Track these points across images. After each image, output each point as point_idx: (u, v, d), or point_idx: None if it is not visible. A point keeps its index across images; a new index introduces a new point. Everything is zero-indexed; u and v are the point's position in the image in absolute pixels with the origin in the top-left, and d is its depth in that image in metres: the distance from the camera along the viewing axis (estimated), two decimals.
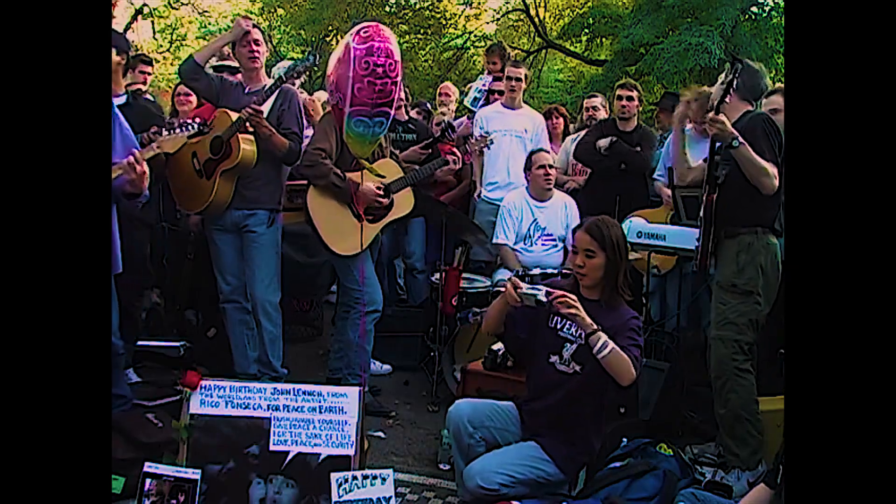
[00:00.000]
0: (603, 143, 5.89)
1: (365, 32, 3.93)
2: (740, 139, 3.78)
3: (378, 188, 4.70)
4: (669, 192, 5.29)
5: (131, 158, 3.65)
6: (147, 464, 3.33)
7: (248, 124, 4.44)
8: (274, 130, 4.50)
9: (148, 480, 3.29)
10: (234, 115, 4.47)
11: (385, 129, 4.17)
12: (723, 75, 4.04)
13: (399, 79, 4.02)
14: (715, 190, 3.97)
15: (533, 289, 3.39)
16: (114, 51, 3.92)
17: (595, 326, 3.29)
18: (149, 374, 5.09)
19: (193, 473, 3.31)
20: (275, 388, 3.54)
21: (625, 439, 3.97)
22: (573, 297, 3.35)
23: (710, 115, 3.86)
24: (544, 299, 3.32)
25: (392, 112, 4.11)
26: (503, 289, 3.51)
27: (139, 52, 7.83)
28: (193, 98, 5.91)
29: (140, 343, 5.03)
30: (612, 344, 3.25)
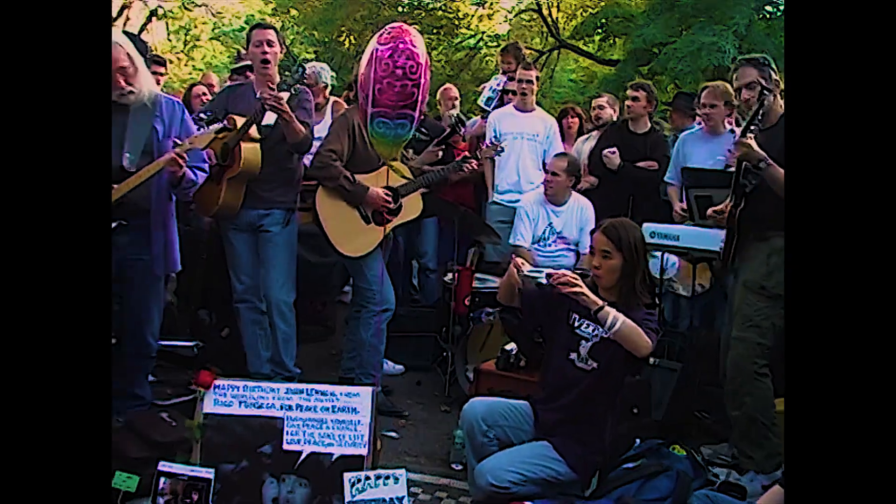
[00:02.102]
0: (610, 162, 5.94)
1: (389, 34, 3.95)
2: (768, 160, 3.78)
3: (386, 192, 4.71)
4: (680, 193, 5.31)
5: (174, 154, 3.89)
6: (161, 463, 3.35)
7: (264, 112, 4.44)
8: (293, 116, 4.49)
9: (162, 479, 3.31)
10: (240, 121, 4.48)
11: (409, 130, 4.19)
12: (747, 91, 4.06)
13: (422, 81, 4.02)
14: (741, 202, 3.97)
15: (535, 271, 3.46)
16: (126, 50, 3.96)
17: (601, 303, 3.32)
18: (163, 373, 5.11)
19: (207, 472, 3.33)
20: (288, 388, 3.55)
21: (638, 440, 3.96)
22: (574, 275, 3.38)
23: (738, 138, 3.88)
24: (544, 281, 3.37)
25: (416, 114, 4.11)
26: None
27: (153, 52, 7.86)
28: (208, 101, 5.94)
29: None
30: (622, 317, 3.28)
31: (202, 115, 4.33)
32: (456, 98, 7.32)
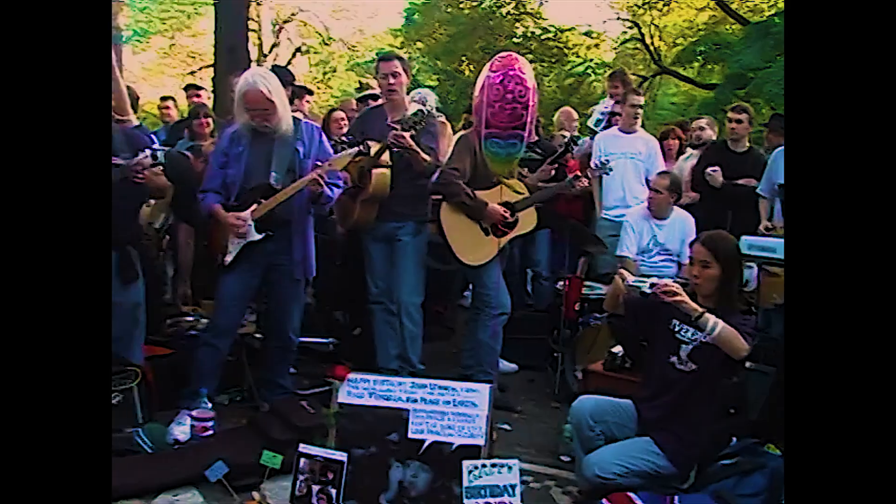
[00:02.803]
0: (713, 179, 5.83)
1: (500, 62, 3.97)
2: None
3: (504, 208, 4.70)
4: (769, 207, 5.28)
5: (315, 174, 4.01)
6: (301, 445, 3.41)
7: (391, 148, 4.52)
8: (419, 150, 4.56)
9: (302, 460, 3.36)
10: (375, 147, 4.55)
11: (519, 149, 4.18)
12: None
13: (530, 104, 4.01)
14: None
15: (639, 281, 3.42)
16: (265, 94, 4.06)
17: (701, 310, 3.27)
18: (302, 366, 5.21)
19: (341, 456, 3.36)
20: (413, 383, 3.56)
21: (734, 439, 3.84)
22: (676, 285, 3.34)
23: None
24: (648, 290, 3.33)
25: (525, 134, 4.11)
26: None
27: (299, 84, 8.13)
28: (346, 124, 6.07)
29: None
30: (721, 322, 3.23)
31: (343, 139, 4.41)
32: (576, 120, 7.32)
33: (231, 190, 4.23)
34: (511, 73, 4.01)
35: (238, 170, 4.20)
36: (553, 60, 19.43)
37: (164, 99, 7.48)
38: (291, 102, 5.18)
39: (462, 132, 5.23)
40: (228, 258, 4.21)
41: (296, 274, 4.31)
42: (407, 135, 4.47)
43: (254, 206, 4.13)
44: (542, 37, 19.41)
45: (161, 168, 4.17)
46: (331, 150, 4.40)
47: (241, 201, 4.18)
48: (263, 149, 4.18)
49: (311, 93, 7.64)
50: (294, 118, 4.26)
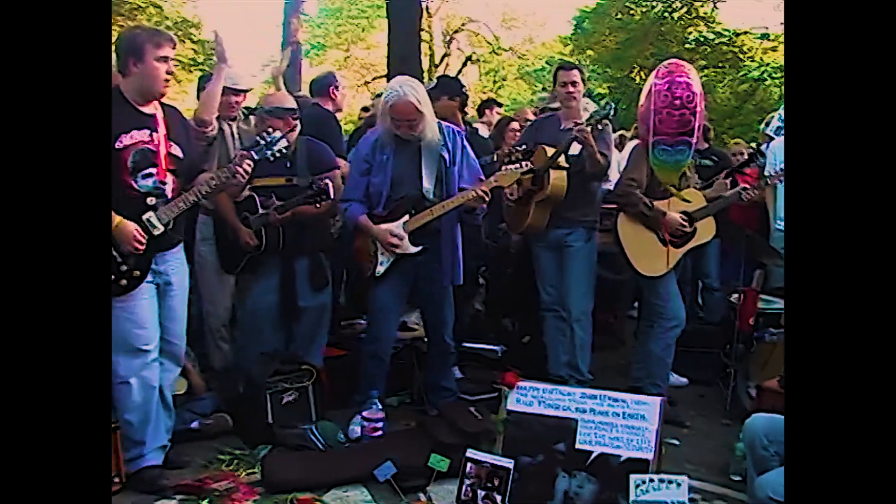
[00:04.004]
0: None
1: (666, 69, 3.91)
2: None
3: (682, 217, 4.60)
4: None
5: (479, 191, 4.04)
6: (469, 450, 3.44)
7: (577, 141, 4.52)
8: (596, 147, 4.56)
9: (469, 464, 3.39)
10: (550, 151, 4.59)
11: (687, 156, 4.09)
12: None
13: (698, 109, 3.92)
14: None
15: None
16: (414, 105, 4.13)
17: None
18: (470, 371, 5.25)
19: (507, 462, 3.37)
20: (583, 393, 3.53)
21: None
22: None
23: None
24: None
25: (693, 141, 4.01)
26: None
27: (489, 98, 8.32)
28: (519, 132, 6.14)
29: (465, 344, 5.20)
30: None
31: (516, 147, 4.43)
32: None
33: (375, 199, 4.29)
34: (678, 79, 3.94)
35: (383, 178, 4.25)
36: (727, 66, 18.81)
37: (363, 109, 7.75)
38: (462, 111, 5.26)
39: (637, 142, 5.16)
40: (380, 269, 4.29)
41: (444, 281, 4.35)
42: (589, 130, 4.47)
43: (406, 218, 4.19)
44: (716, 41, 18.84)
45: None
46: (474, 156, 4.43)
47: (388, 210, 4.25)
48: (409, 157, 4.24)
49: (500, 105, 7.80)
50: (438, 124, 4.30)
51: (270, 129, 3.85)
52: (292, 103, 4.58)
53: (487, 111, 7.52)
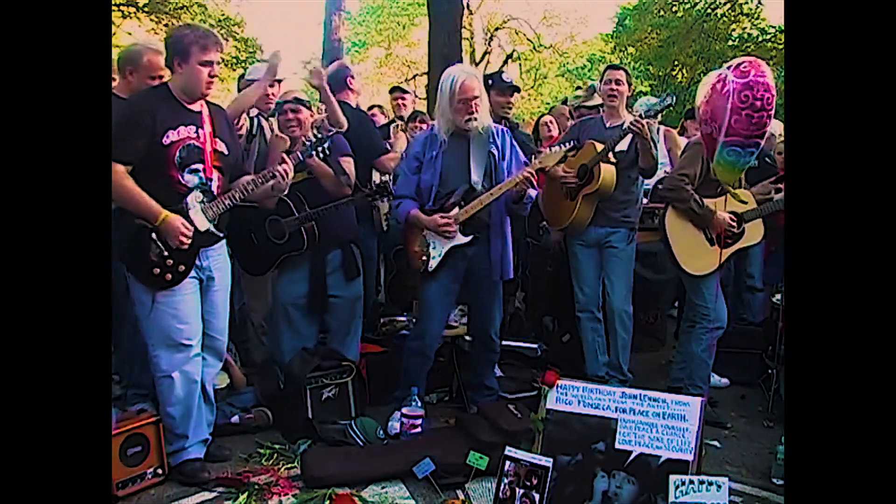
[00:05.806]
0: None
1: (744, 67, 3.84)
2: None
3: (731, 217, 4.55)
4: None
5: (527, 172, 4.08)
6: (508, 448, 3.43)
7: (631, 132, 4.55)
8: (652, 144, 4.59)
9: (507, 463, 3.38)
10: (599, 146, 4.63)
11: (753, 158, 4.04)
12: None
13: (773, 112, 3.88)
14: None
15: None
16: (479, 84, 4.19)
17: None
18: (510, 370, 5.25)
19: (546, 461, 3.36)
20: (623, 393, 3.51)
21: None
22: None
23: None
24: None
25: (763, 143, 3.97)
26: None
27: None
28: (555, 130, 6.11)
29: (504, 342, 5.19)
30: None
31: (563, 144, 4.43)
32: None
33: (426, 195, 4.32)
34: (759, 79, 3.88)
35: (433, 174, 4.28)
36: (771, 63, 18.54)
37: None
38: (502, 107, 5.26)
39: (693, 138, 5.11)
40: (433, 263, 4.30)
41: (493, 276, 4.36)
42: (645, 123, 4.50)
43: (456, 209, 4.21)
44: (760, 39, 18.58)
45: None
46: (521, 153, 4.43)
47: (438, 205, 4.27)
48: (459, 151, 4.27)
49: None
50: None
51: (315, 132, 3.89)
52: (304, 95, 4.58)
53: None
